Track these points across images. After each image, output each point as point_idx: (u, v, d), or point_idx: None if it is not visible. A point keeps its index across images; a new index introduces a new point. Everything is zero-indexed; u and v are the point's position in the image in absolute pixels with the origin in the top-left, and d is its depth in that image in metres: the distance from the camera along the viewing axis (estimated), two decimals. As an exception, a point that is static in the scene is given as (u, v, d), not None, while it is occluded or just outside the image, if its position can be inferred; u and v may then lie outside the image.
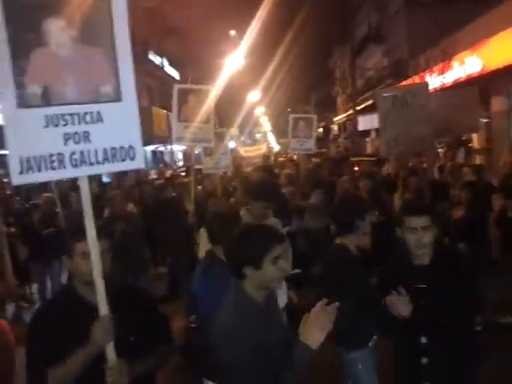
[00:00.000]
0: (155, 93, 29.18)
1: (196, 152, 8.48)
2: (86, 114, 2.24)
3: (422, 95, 6.13)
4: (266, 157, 16.33)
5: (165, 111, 25.70)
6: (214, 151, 7.96)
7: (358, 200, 3.66)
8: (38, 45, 2.14)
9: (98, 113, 2.26)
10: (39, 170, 2.17)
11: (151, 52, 28.15)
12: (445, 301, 2.61)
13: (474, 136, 14.71)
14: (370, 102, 22.69)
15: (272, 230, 2.36)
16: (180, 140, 6.85)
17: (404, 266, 2.84)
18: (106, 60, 2.28)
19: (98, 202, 7.23)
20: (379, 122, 6.31)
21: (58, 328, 2.34)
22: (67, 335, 2.30)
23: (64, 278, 6.79)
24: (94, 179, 7.21)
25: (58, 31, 2.16)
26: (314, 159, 13.60)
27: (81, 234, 2.36)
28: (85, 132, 2.24)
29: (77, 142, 2.23)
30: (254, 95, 32.81)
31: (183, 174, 14.17)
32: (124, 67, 2.30)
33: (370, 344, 3.36)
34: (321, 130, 48.01)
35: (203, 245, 4.02)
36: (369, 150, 25.78)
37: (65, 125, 2.20)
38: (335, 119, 39.61)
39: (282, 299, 4.00)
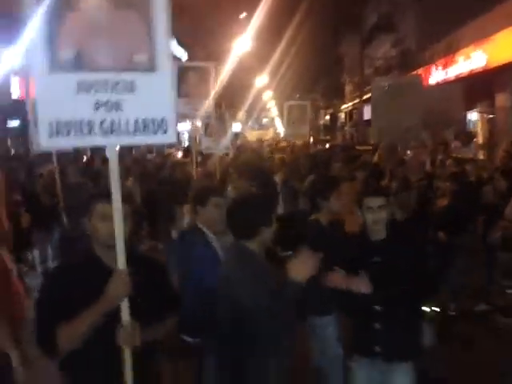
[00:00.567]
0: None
1: (201, 132, 8.70)
2: (118, 82, 2.17)
3: (415, 88, 6.40)
4: (259, 141, 16.78)
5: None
6: (213, 130, 8.17)
7: (323, 182, 4.27)
8: (70, 8, 2.09)
9: (132, 82, 2.19)
10: (68, 134, 2.13)
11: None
12: (396, 273, 2.95)
13: (479, 131, 14.90)
14: (377, 91, 22.65)
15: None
16: (181, 117, 7.04)
17: (362, 241, 3.22)
18: (140, 26, 2.18)
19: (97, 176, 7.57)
20: (372, 109, 6.59)
21: (73, 288, 2.32)
22: (81, 295, 2.26)
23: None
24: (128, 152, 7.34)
25: None
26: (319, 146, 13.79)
27: (101, 196, 2.38)
28: (116, 101, 2.18)
29: (108, 111, 2.17)
30: (262, 79, 32.80)
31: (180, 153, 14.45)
32: (160, 35, 2.21)
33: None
34: (328, 117, 47.91)
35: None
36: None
37: (96, 92, 2.15)
38: (342, 107, 39.56)
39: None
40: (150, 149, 14.37)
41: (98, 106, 2.15)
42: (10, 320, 3.28)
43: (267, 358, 2.66)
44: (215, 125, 7.82)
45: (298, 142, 11.64)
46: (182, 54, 33.45)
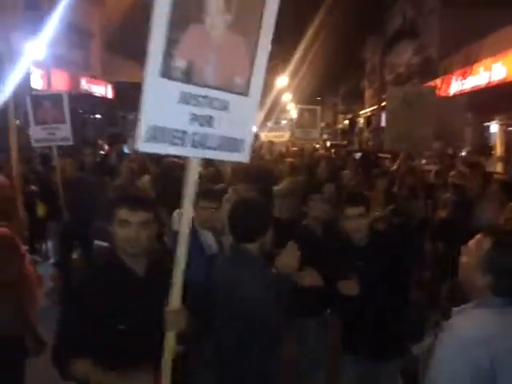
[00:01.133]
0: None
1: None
2: (216, 99, 2.27)
3: (428, 98, 6.44)
4: (271, 143, 16.69)
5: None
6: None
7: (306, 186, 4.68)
8: (195, 21, 2.15)
9: (227, 102, 2.30)
10: (162, 141, 2.16)
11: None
12: (377, 276, 3.16)
13: (498, 144, 14.83)
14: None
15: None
16: None
17: (347, 245, 3.38)
18: (246, 51, 2.30)
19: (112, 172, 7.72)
20: (386, 116, 6.65)
21: (98, 294, 2.37)
22: (104, 297, 2.35)
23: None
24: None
25: (216, 12, 2.18)
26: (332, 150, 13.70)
27: (123, 201, 2.43)
28: (210, 116, 2.27)
29: (201, 125, 2.25)
30: (282, 81, 32.84)
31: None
32: (260, 64, 2.35)
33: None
34: (346, 122, 47.81)
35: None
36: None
37: (195, 105, 2.21)
38: (361, 112, 39.47)
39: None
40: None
41: (193, 118, 2.23)
42: (26, 303, 3.39)
43: (267, 357, 2.73)
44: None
45: (308, 146, 11.70)
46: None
